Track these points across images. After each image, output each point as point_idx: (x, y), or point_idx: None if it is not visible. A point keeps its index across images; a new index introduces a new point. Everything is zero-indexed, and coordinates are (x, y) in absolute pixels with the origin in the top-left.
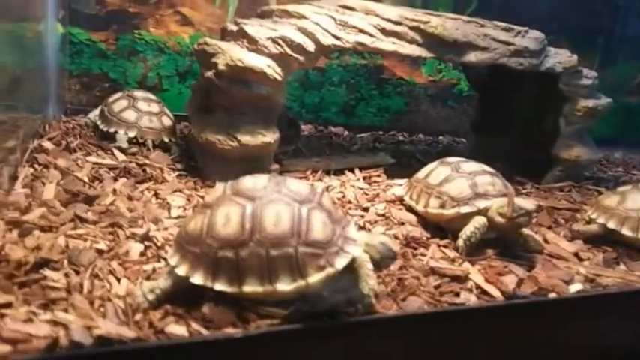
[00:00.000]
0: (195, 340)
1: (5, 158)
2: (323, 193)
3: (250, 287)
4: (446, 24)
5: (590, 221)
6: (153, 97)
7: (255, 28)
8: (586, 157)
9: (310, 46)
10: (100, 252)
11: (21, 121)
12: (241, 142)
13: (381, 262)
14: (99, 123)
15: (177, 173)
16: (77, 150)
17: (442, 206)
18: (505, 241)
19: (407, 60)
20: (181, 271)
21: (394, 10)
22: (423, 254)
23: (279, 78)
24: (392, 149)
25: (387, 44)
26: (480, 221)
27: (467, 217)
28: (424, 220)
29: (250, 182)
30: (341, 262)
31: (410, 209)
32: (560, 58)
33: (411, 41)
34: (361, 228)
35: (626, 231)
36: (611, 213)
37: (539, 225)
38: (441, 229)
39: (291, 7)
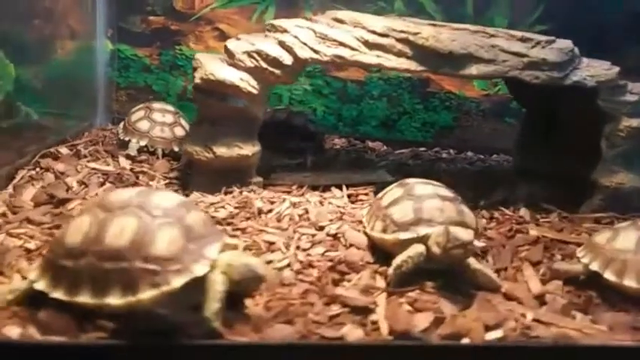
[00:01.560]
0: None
1: (10, 160)
2: (190, 208)
3: (83, 298)
4: (440, 35)
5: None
6: (170, 108)
7: (235, 42)
8: (631, 184)
9: (287, 60)
10: (27, 251)
11: (70, 128)
12: (216, 154)
13: (242, 285)
14: (120, 131)
15: (167, 181)
16: (87, 156)
17: (384, 230)
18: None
19: None
20: (32, 276)
21: (381, 22)
22: (349, 280)
23: (254, 91)
24: (426, 166)
25: (370, 57)
26: (416, 249)
27: (408, 244)
28: (374, 244)
29: (116, 194)
30: (179, 281)
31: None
32: (593, 70)
33: (399, 54)
34: (297, 248)
35: (608, 274)
36: (597, 252)
37: (526, 259)
38: (389, 253)
39: (277, 22)
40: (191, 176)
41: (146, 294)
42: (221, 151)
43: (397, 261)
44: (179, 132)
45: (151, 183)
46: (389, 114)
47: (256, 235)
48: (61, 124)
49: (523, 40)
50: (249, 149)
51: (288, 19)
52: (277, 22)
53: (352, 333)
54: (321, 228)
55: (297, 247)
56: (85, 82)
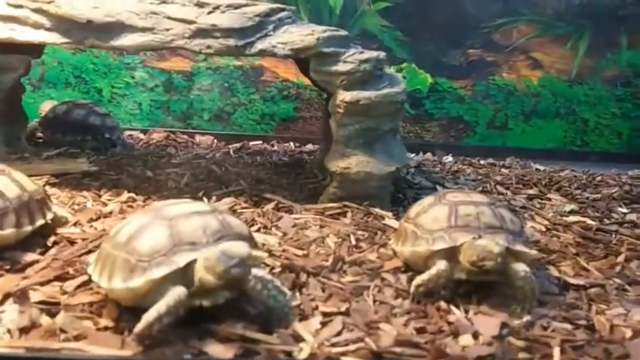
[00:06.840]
0: None
1: None
2: None
3: None
4: (77, 2)
5: None
6: None
7: None
8: (359, 169)
9: None
10: None
11: None
12: None
13: None
14: None
15: None
16: None
17: None
18: None
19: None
20: None
21: None
22: None
23: None
24: (232, 160)
25: (1, 31)
26: None
27: None
28: None
29: None
30: None
31: None
32: (288, 37)
33: (37, 26)
34: None
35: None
36: None
37: None
38: None
39: None
40: None
41: None
42: None
43: None
44: None
45: None
46: (222, 106)
47: None
48: None
49: (200, 5)
50: None
51: None
52: None
53: None
54: None
55: None
56: None
